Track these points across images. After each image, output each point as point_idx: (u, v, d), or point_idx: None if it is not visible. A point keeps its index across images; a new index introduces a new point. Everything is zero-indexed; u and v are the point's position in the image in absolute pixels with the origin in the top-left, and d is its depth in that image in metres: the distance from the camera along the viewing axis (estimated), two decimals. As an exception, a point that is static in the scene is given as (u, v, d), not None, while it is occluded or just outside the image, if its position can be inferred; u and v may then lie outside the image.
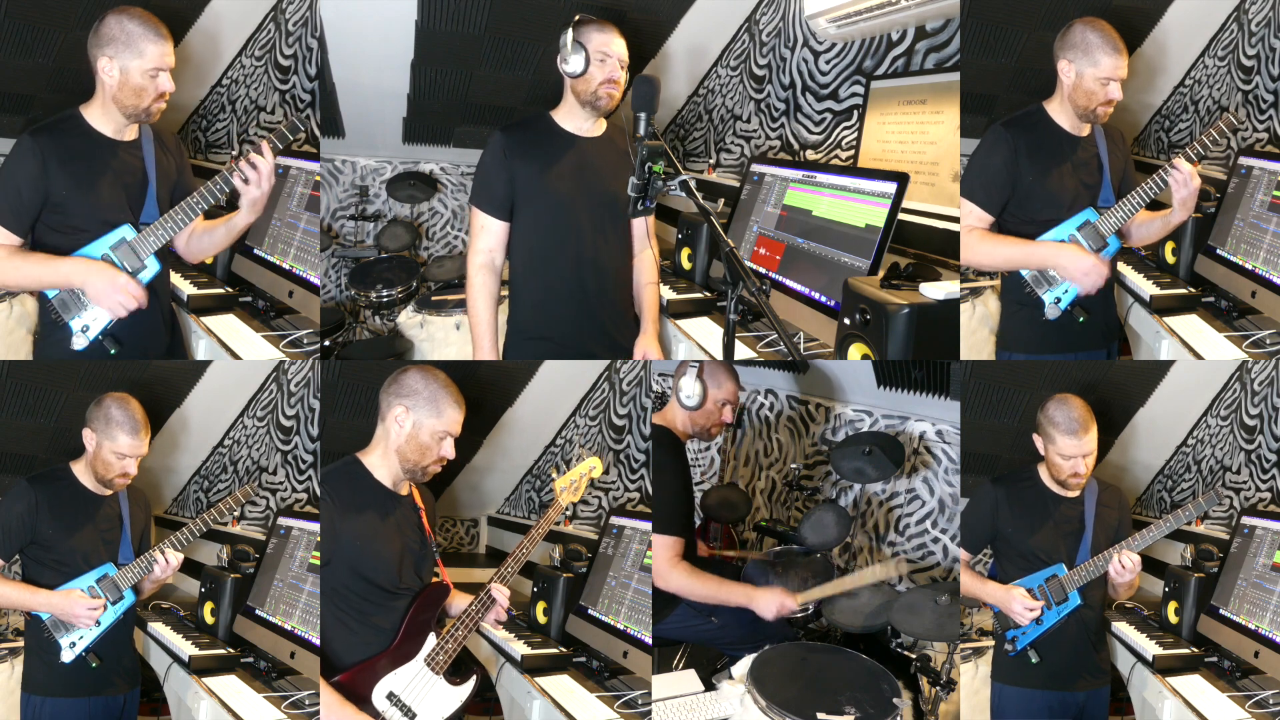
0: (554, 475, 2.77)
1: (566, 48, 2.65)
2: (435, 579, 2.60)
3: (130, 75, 2.48)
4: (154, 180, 2.59)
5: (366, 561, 2.43)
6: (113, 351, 2.55)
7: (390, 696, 2.38)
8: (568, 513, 3.90)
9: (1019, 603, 2.76)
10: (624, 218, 2.84)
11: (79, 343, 2.53)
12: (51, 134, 2.51)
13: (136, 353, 2.63)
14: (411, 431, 2.46)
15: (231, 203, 2.60)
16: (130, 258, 2.53)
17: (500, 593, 2.55)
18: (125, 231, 2.53)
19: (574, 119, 2.78)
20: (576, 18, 2.67)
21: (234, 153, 2.54)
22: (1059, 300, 2.73)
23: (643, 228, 2.89)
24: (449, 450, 2.50)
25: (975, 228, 2.77)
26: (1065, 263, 2.69)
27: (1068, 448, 2.73)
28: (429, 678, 2.44)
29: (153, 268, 2.56)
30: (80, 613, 2.68)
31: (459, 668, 2.51)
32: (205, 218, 2.64)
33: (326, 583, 2.45)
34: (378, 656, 2.41)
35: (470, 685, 2.51)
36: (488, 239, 2.79)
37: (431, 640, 2.46)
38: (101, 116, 2.55)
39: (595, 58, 2.66)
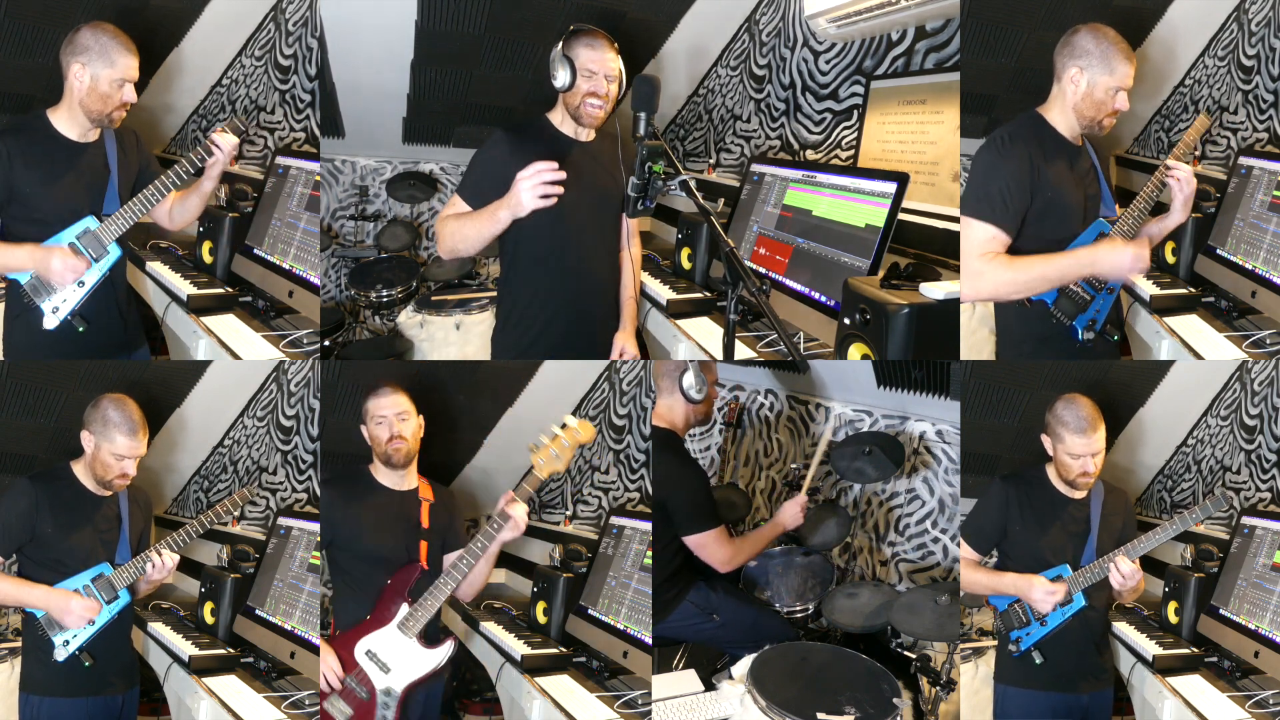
0: (531, 449, 2.83)
1: (555, 61, 2.66)
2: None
3: (99, 83, 2.67)
4: (115, 175, 2.78)
5: (357, 541, 2.83)
6: (80, 330, 2.76)
7: (369, 654, 2.76)
8: (567, 513, 3.90)
9: (1040, 589, 2.71)
10: (615, 220, 2.88)
11: (50, 322, 2.74)
12: (17, 135, 2.71)
13: (97, 332, 2.81)
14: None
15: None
16: (95, 245, 2.74)
17: (518, 509, 2.78)
18: (89, 222, 2.74)
19: (568, 125, 2.78)
20: (571, 28, 2.68)
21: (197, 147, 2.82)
22: (1094, 323, 2.56)
23: (629, 226, 2.94)
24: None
25: (991, 253, 2.47)
26: (1107, 256, 2.45)
27: (1076, 446, 2.72)
28: (403, 640, 2.77)
29: (114, 254, 2.77)
30: (75, 611, 2.68)
31: (435, 636, 2.84)
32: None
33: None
34: (362, 622, 2.79)
35: (443, 650, 2.80)
36: None
37: (405, 608, 2.78)
38: (67, 120, 2.73)
39: (582, 73, 2.66)
